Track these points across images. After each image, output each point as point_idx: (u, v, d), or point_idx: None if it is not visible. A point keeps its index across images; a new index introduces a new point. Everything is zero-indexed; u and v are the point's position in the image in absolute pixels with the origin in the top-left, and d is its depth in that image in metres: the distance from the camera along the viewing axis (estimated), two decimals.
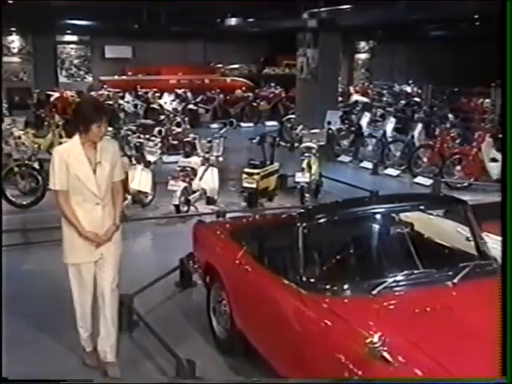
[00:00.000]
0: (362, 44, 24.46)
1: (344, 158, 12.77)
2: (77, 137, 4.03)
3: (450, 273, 3.56)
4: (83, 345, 4.42)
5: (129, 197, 8.27)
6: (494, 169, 10.31)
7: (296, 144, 11.50)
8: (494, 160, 10.42)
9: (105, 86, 19.72)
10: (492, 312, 3.30)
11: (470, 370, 2.74)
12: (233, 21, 16.27)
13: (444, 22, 17.38)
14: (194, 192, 8.60)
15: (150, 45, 21.94)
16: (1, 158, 8.53)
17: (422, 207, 4.16)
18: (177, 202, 8.21)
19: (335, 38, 14.34)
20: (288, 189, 9.60)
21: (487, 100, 15.09)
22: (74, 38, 22.76)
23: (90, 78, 23.08)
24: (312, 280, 3.55)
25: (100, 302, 4.25)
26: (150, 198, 8.80)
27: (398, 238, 4.13)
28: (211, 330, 4.83)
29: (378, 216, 3.97)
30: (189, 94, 18.80)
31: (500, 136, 11.20)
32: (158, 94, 18.15)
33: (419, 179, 10.70)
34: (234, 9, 14.77)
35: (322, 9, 13.09)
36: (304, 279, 3.55)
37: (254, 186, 8.60)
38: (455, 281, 3.50)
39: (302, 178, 8.78)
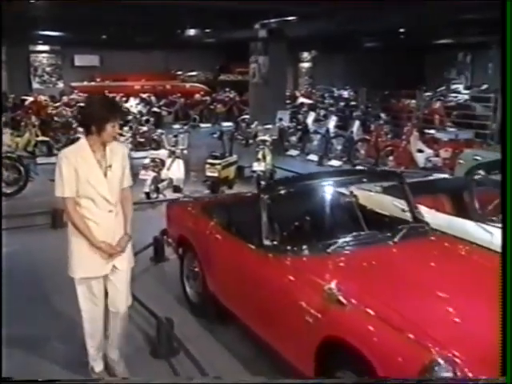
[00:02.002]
0: (305, 54, 24.80)
1: (292, 152, 12.95)
2: (83, 139, 3.40)
3: (390, 234, 3.75)
4: (92, 364, 3.68)
5: None
6: (420, 158, 10.69)
7: (251, 140, 11.63)
8: (420, 151, 10.80)
9: (75, 91, 19.53)
10: (426, 264, 3.53)
11: (410, 308, 2.89)
12: (191, 32, 16.23)
13: (376, 34, 17.85)
14: (162, 181, 8.62)
15: (117, 54, 21.69)
16: (1, 153, 8.28)
17: (366, 179, 4.34)
18: (147, 190, 8.24)
19: (283, 47, 14.54)
20: (245, 178, 9.75)
21: (413, 101, 15.58)
22: (46, 47, 22.27)
23: (61, 84, 22.65)
24: (275, 243, 3.67)
25: (111, 318, 3.61)
26: None
27: (346, 206, 4.31)
28: (185, 296, 4.88)
29: (330, 187, 4.11)
30: (153, 98, 18.75)
31: (424, 130, 11.68)
32: (124, 99, 17.91)
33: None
34: (193, 21, 14.73)
35: (272, 20, 13.25)
36: (268, 243, 3.66)
37: (216, 174, 8.69)
38: (395, 240, 3.69)
39: (258, 166, 8.93)
